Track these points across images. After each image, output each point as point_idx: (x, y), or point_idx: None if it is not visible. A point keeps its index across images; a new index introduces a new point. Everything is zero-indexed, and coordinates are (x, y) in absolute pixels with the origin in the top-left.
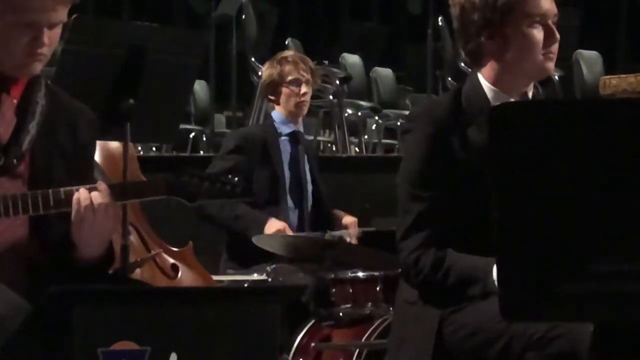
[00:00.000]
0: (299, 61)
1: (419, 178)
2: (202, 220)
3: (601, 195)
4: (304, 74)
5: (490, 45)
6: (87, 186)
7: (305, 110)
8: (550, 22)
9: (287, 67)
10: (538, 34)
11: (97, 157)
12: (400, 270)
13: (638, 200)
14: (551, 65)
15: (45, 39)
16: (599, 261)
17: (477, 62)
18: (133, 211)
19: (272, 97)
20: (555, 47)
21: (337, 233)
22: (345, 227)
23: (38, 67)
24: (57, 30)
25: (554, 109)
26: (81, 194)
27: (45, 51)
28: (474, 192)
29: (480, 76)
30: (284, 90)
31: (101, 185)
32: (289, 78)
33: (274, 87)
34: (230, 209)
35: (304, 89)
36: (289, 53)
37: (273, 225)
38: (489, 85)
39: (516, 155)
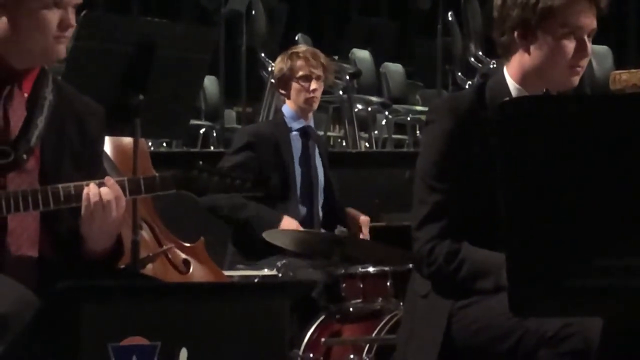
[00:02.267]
0: (310, 57)
1: (436, 170)
2: (217, 218)
3: (609, 189)
4: (314, 70)
5: (521, 44)
6: (97, 181)
7: (315, 106)
8: (585, 36)
9: (299, 63)
10: (569, 44)
11: (110, 152)
12: (413, 260)
13: None
14: (576, 79)
15: (73, 20)
16: (607, 256)
17: (505, 56)
18: (146, 207)
19: (282, 91)
20: (584, 62)
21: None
22: (360, 228)
23: (64, 50)
24: (74, 15)
25: (563, 104)
26: (91, 190)
27: (70, 33)
28: (491, 188)
29: (506, 72)
30: (294, 85)
31: (110, 180)
32: (300, 73)
33: (284, 81)
34: (243, 208)
35: (314, 85)
36: (301, 48)
37: (287, 224)
38: (514, 83)
39: (524, 150)
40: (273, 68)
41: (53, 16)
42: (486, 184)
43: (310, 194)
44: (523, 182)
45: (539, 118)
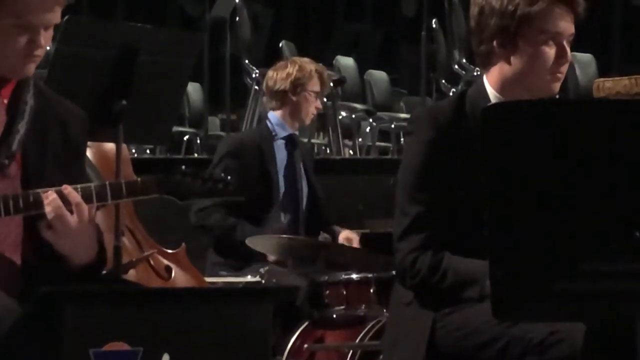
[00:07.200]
0: (325, 78)
1: (417, 181)
2: (200, 229)
3: (594, 193)
4: (324, 89)
5: (501, 52)
6: (55, 189)
7: (309, 121)
8: (564, 42)
9: (315, 78)
10: (549, 51)
11: (92, 157)
12: (395, 271)
13: (629, 200)
14: (557, 85)
15: (42, 41)
16: (590, 261)
17: (485, 66)
18: (128, 214)
19: (293, 96)
20: (564, 68)
21: None
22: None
23: (32, 68)
24: (51, 32)
25: (546, 109)
26: (49, 205)
27: (41, 52)
28: (472, 197)
29: (486, 81)
30: (305, 96)
31: (67, 188)
32: (314, 89)
33: (293, 88)
34: (227, 222)
35: (319, 104)
36: (317, 64)
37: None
38: (494, 92)
39: (508, 154)
40: (257, 75)
41: (22, 36)
42: (467, 193)
43: (294, 203)
44: (507, 187)
45: (523, 123)
